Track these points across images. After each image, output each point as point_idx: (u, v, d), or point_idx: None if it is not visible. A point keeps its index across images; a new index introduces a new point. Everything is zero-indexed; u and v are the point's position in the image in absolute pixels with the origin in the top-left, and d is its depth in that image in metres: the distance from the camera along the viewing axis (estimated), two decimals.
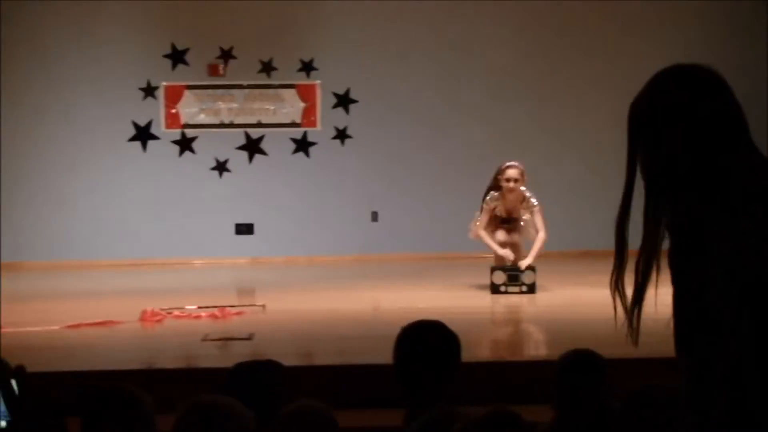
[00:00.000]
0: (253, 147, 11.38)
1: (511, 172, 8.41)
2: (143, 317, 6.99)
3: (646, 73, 2.20)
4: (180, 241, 11.27)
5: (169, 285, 9.51)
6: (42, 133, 11.20)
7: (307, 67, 11.33)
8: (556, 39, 11.52)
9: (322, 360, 5.91)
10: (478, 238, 8.57)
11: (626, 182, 2.05)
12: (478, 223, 8.56)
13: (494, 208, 8.50)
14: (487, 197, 8.48)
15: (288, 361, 5.38)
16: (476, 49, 11.43)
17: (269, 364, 3.59)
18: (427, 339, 3.35)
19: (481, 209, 8.53)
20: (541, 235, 8.38)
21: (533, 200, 8.44)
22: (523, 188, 8.41)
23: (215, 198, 11.32)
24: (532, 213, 8.44)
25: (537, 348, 6.76)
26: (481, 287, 8.51)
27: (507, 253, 8.41)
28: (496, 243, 8.49)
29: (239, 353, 5.96)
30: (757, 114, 11.48)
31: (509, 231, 8.59)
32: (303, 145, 11.40)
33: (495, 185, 8.52)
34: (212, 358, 5.94)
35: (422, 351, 3.26)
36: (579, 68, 11.57)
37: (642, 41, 11.41)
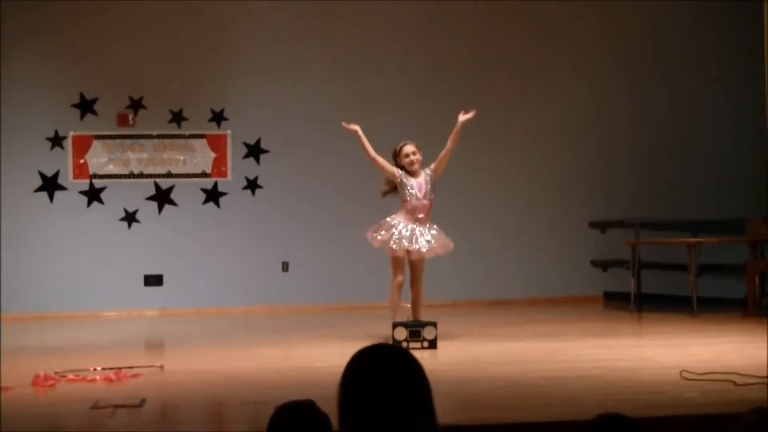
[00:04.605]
0: (162, 197, 11.31)
1: (409, 147, 8.54)
2: (35, 382, 6.85)
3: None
4: (88, 293, 11.12)
5: (73, 340, 9.36)
6: None
7: (218, 117, 11.31)
8: (478, 91, 11.61)
9: (205, 427, 5.84)
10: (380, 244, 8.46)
11: None
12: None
13: (397, 171, 8.47)
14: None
15: (183, 428, 5.36)
16: (387, 99, 11.49)
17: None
18: (296, 422, 3.36)
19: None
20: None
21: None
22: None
23: (124, 249, 11.21)
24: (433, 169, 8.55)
25: None
26: (386, 340, 8.49)
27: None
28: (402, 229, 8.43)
29: (131, 422, 5.89)
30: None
31: (422, 221, 8.53)
32: (213, 196, 11.35)
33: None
34: (103, 427, 5.84)
35: None
36: (498, 117, 11.63)
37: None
